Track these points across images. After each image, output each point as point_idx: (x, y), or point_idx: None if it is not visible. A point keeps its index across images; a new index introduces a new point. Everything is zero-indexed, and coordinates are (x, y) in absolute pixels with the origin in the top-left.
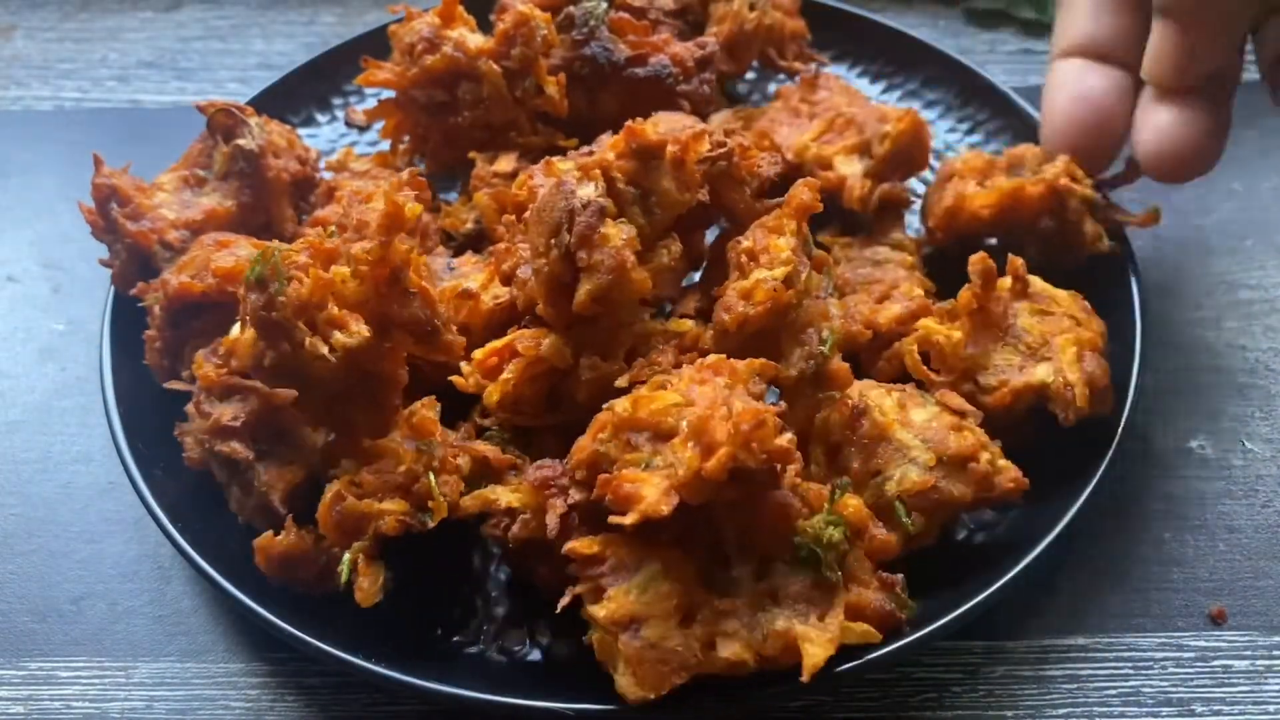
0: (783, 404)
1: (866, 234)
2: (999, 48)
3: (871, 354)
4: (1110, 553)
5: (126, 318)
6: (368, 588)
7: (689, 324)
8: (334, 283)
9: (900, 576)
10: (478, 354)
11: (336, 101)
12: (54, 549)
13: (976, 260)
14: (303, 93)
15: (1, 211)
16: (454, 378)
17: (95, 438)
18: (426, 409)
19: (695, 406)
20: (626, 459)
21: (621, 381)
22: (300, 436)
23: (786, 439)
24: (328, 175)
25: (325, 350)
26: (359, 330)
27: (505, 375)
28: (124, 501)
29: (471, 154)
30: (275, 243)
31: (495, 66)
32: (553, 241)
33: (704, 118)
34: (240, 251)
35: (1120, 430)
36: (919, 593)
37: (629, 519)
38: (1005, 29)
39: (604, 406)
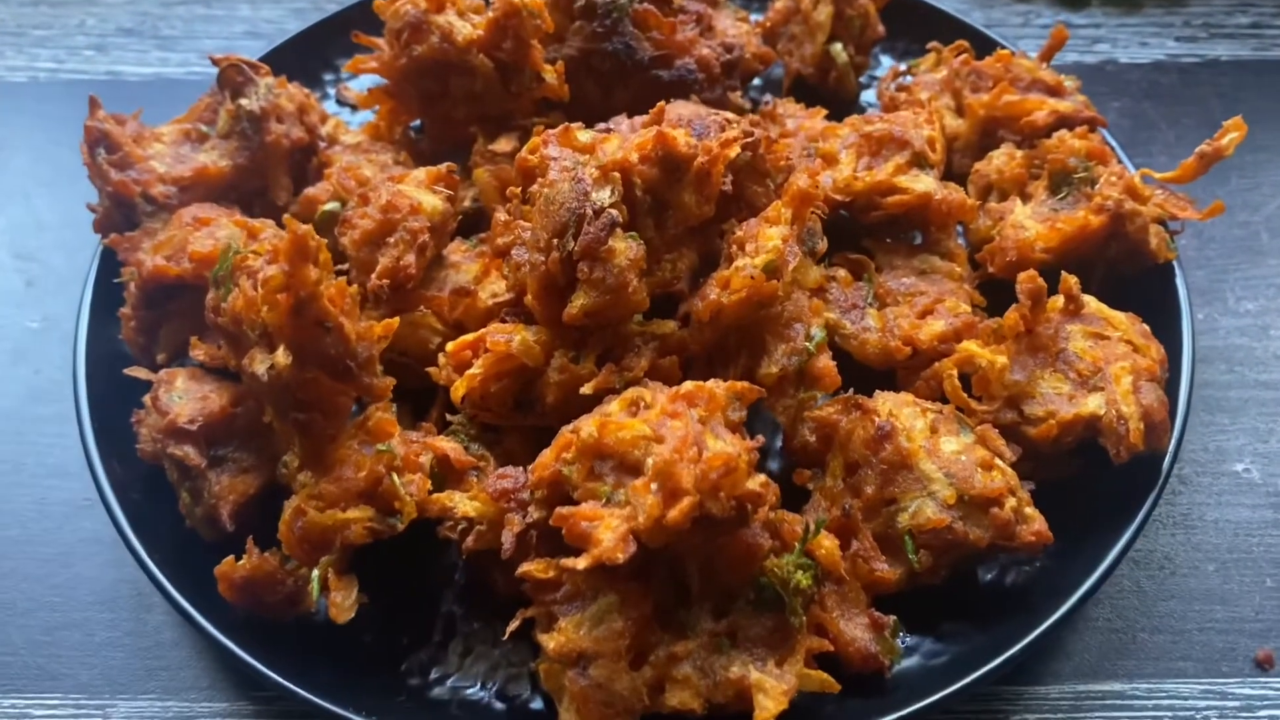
0: (760, 439)
1: (913, 240)
2: (1033, 21)
3: (909, 372)
4: (1147, 587)
5: (105, 315)
6: (341, 603)
7: (671, 325)
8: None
9: (893, 618)
10: (452, 345)
11: (328, 77)
12: (27, 572)
13: (1026, 279)
14: (291, 67)
15: None
16: (430, 369)
17: (72, 448)
18: (382, 410)
19: (663, 444)
20: (588, 488)
21: (588, 389)
22: (262, 442)
23: (759, 481)
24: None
25: (260, 368)
26: (280, 358)
27: (473, 370)
28: (103, 519)
29: (472, 128)
30: (244, 232)
31: (487, 61)
32: (556, 241)
33: None
34: (220, 233)
35: (1169, 464)
36: (934, 633)
37: (581, 563)
38: (1039, 1)
39: (569, 429)
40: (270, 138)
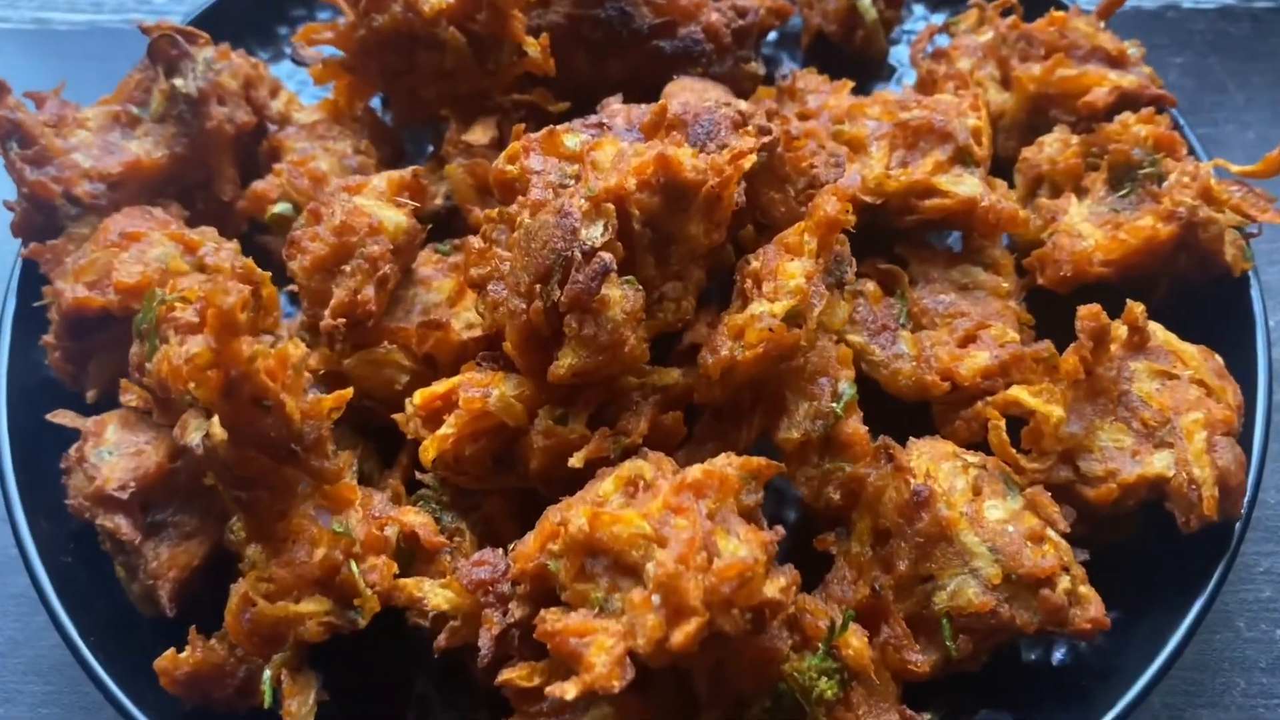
0: (779, 530)
1: (951, 248)
2: None
3: (947, 409)
4: (1207, 655)
5: (29, 335)
6: (297, 710)
7: (674, 375)
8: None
9: (928, 717)
10: (419, 396)
11: (282, 30)
12: None
13: (1087, 315)
14: (240, 20)
15: None
16: (396, 415)
17: None
18: (343, 466)
19: (666, 548)
20: (578, 590)
21: (576, 460)
22: (207, 502)
23: (780, 586)
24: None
25: (194, 438)
26: (217, 431)
27: (445, 430)
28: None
29: (444, 112)
30: (180, 247)
31: (458, 34)
32: (539, 287)
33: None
34: (152, 252)
35: (1242, 527)
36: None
37: (570, 691)
38: None
39: (554, 516)
40: (211, 123)
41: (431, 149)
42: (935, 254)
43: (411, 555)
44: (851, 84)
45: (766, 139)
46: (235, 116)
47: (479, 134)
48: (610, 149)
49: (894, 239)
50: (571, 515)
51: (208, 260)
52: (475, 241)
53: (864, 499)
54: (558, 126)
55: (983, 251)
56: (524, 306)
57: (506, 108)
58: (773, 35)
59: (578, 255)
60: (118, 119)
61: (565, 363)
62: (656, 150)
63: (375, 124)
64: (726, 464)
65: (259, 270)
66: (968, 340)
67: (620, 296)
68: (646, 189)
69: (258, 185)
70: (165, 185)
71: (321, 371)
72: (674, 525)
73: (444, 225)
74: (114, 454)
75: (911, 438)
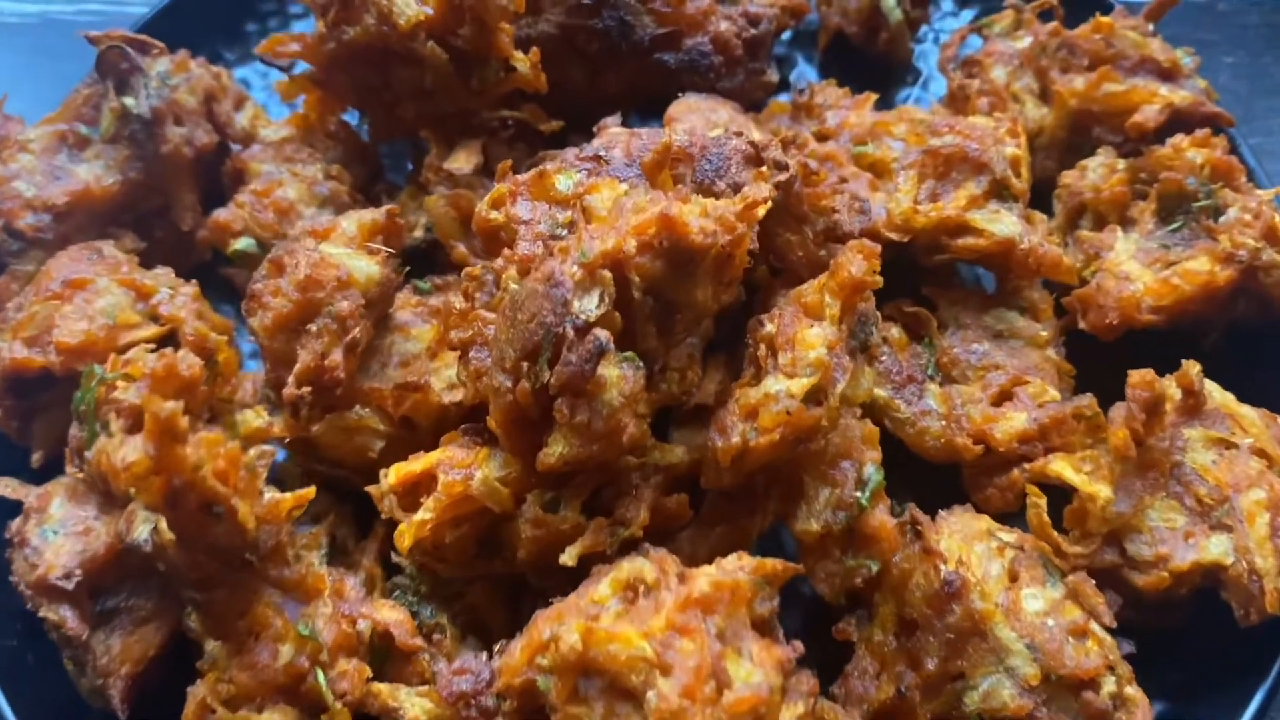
0: (797, 646)
1: (982, 283)
2: None
3: (979, 474)
4: None
5: None
6: None
7: (678, 453)
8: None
9: None
10: (394, 472)
11: (250, 28)
12: None
13: (1140, 383)
14: (204, 14)
15: None
16: (370, 489)
17: None
18: (306, 572)
19: (670, 676)
20: (570, 713)
21: (569, 557)
22: (163, 581)
23: (797, 715)
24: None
25: (140, 533)
26: (164, 531)
27: (422, 515)
28: None
29: (424, 133)
30: (132, 293)
31: (439, 50)
32: (525, 365)
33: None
34: (98, 303)
35: None
36: None
37: None
38: None
39: (543, 629)
40: (167, 147)
41: (412, 167)
42: (967, 295)
43: (387, 652)
44: (874, 98)
45: (782, 177)
46: (194, 138)
47: (462, 160)
48: (607, 193)
49: (921, 277)
50: (564, 630)
51: (162, 310)
52: (456, 301)
53: (888, 581)
54: (548, 166)
55: (1019, 293)
56: (509, 385)
57: (493, 127)
58: (786, 34)
59: (569, 332)
60: (64, 139)
61: (555, 451)
62: (659, 209)
63: (350, 140)
64: (738, 568)
65: (214, 335)
66: (1003, 397)
67: (618, 377)
68: (648, 252)
69: (220, 215)
70: (118, 214)
71: (286, 440)
72: (679, 649)
73: (425, 258)
74: (59, 533)
75: (941, 512)
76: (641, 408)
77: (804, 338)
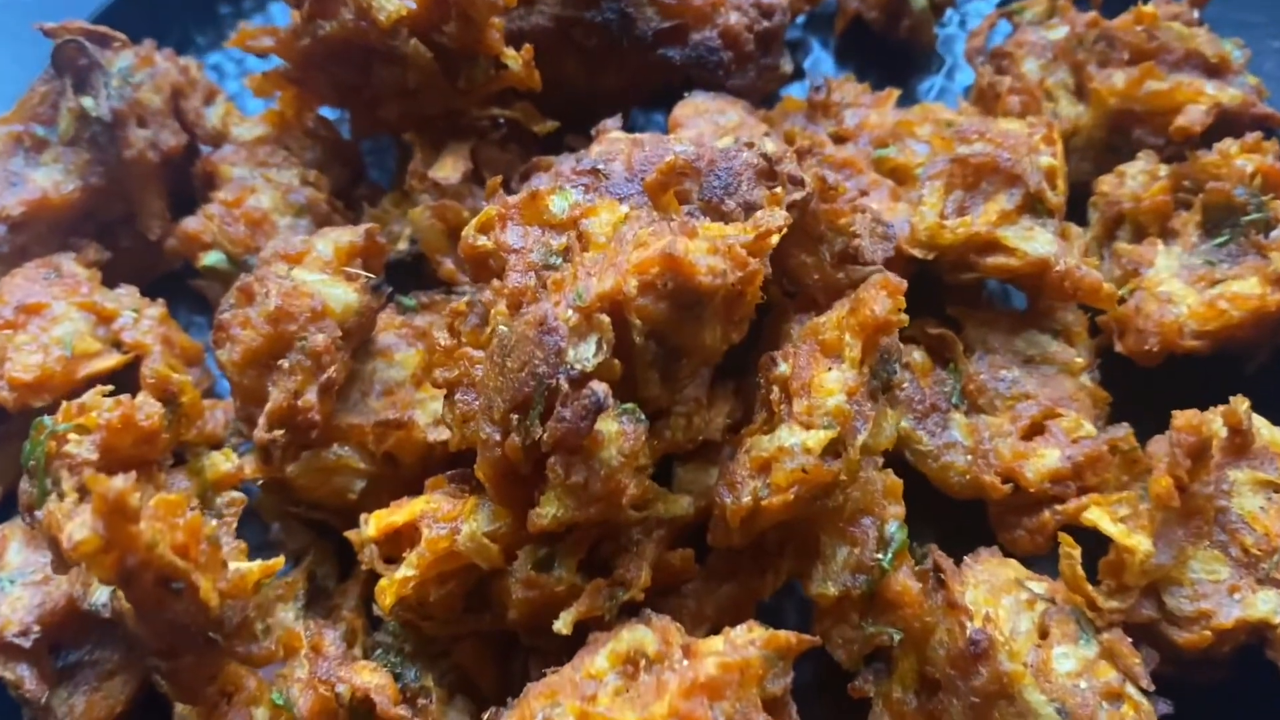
0: None
1: (1013, 307)
2: None
3: (1007, 513)
4: None
5: None
6: None
7: (682, 504)
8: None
9: None
10: (375, 521)
11: (224, 10)
12: None
13: (1185, 427)
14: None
15: None
16: (350, 535)
17: None
18: (285, 598)
19: None
20: None
21: (564, 625)
22: (128, 635)
23: None
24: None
25: (98, 599)
26: (124, 606)
27: (404, 572)
28: None
29: (407, 136)
30: (93, 317)
31: (422, 48)
32: (515, 418)
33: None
34: (55, 331)
35: None
36: None
37: None
38: None
39: (536, 709)
40: (130, 151)
41: (395, 170)
42: (996, 317)
43: (369, 716)
44: (895, 95)
45: (798, 195)
46: (160, 140)
47: (449, 169)
48: (606, 216)
49: (946, 295)
50: (557, 713)
51: (125, 336)
52: (441, 337)
53: (909, 635)
54: (541, 186)
55: (1052, 315)
56: (498, 438)
57: (483, 128)
58: (800, 18)
59: (563, 385)
60: (20, 142)
61: (548, 513)
62: (662, 246)
63: (329, 138)
64: (748, 642)
65: (176, 376)
66: (1033, 430)
67: (616, 433)
68: (650, 293)
69: (189, 225)
70: (81, 223)
71: (259, 481)
72: None
73: (410, 271)
74: (15, 583)
75: (966, 559)
76: (643, 459)
77: (821, 383)
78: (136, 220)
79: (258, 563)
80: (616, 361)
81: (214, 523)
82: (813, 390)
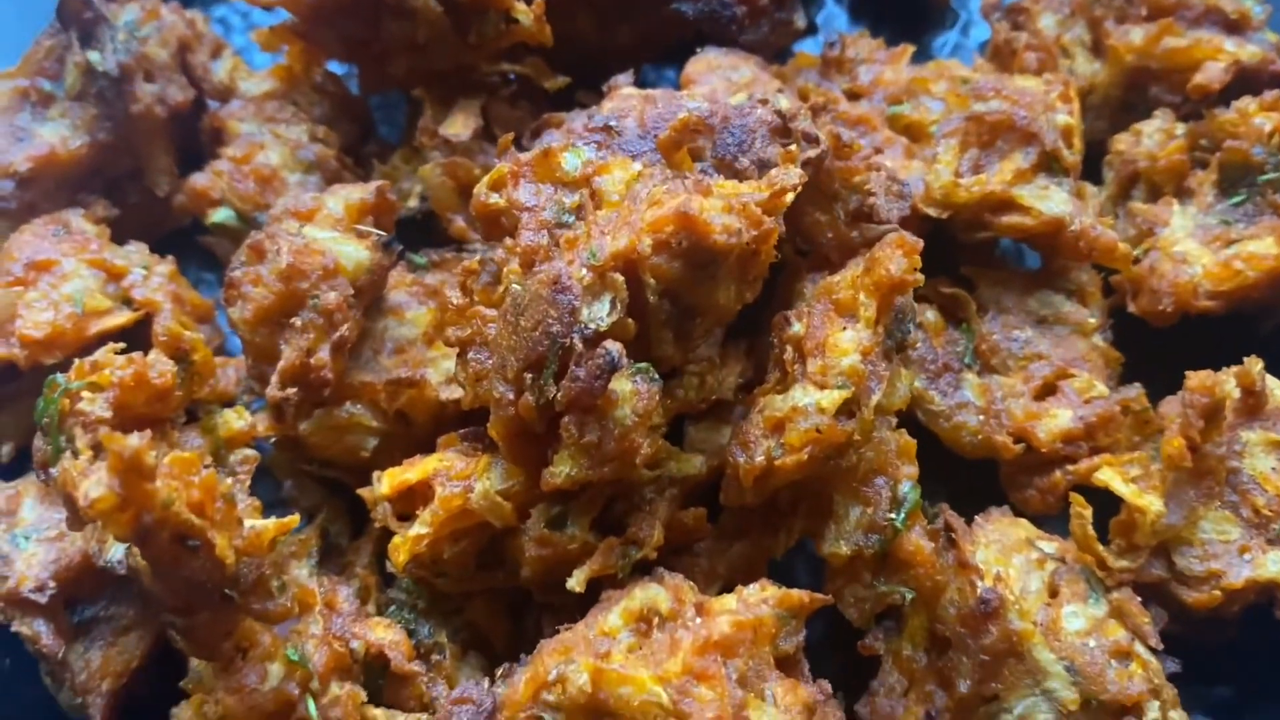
0: (825, 686)
1: (1026, 265)
2: None
3: (1018, 473)
4: None
5: None
6: None
7: (695, 463)
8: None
9: None
10: (388, 478)
11: None
12: None
13: (1199, 388)
14: None
15: None
16: (362, 492)
17: None
18: (300, 554)
19: None
20: None
21: (577, 582)
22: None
23: None
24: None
25: (112, 556)
26: (140, 562)
27: (418, 529)
28: None
29: (417, 92)
30: (103, 274)
31: (433, 2)
32: (529, 377)
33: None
34: (65, 288)
35: None
36: None
37: None
38: None
39: (550, 661)
40: (138, 106)
41: (405, 126)
42: (1009, 276)
43: (382, 674)
44: (910, 51)
45: (812, 153)
46: (167, 95)
47: (459, 125)
48: (619, 174)
49: (960, 254)
50: (571, 670)
51: (136, 294)
52: (453, 296)
53: (920, 594)
54: (553, 143)
55: (1066, 274)
56: (511, 397)
57: (494, 84)
58: None
59: (578, 344)
60: (26, 97)
61: (561, 472)
62: (676, 204)
63: (338, 93)
64: (761, 600)
65: (187, 334)
66: (1046, 391)
67: (630, 393)
68: (664, 252)
69: (197, 181)
70: (88, 179)
71: (272, 439)
72: (697, 697)
73: (421, 228)
74: (30, 539)
75: (978, 518)
76: (656, 418)
77: (836, 342)
78: (144, 176)
79: (273, 520)
80: (630, 320)
81: (228, 481)
82: (827, 350)
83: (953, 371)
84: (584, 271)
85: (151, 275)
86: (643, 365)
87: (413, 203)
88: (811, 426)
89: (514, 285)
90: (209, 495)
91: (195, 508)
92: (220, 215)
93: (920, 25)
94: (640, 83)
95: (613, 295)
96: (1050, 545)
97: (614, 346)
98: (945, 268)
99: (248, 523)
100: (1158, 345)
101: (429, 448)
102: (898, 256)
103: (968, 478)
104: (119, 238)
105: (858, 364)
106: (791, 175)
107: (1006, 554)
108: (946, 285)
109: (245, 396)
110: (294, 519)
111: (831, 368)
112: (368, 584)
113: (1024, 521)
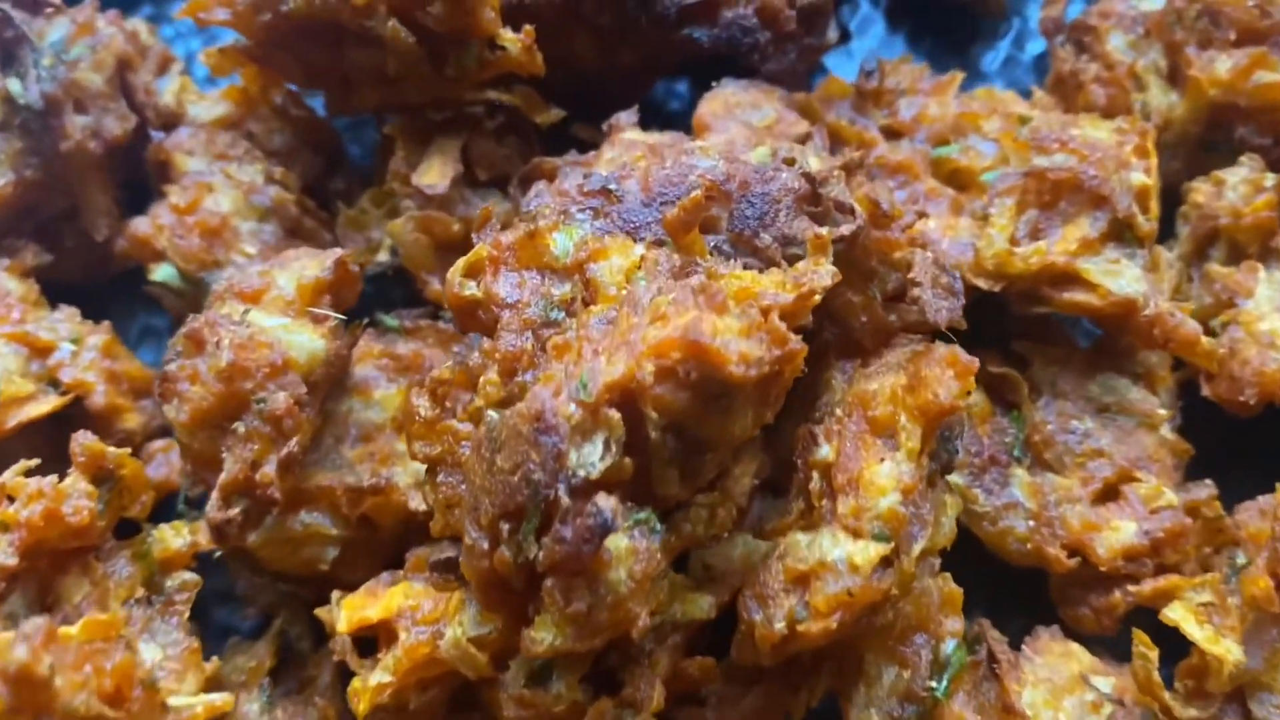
0: None
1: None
2: None
3: (1072, 587)
4: None
5: None
6: None
7: (702, 605)
8: None
9: None
10: (346, 609)
11: None
12: None
13: None
14: None
15: None
16: (320, 613)
17: None
18: (250, 683)
19: None
20: None
21: None
22: None
23: None
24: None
25: None
26: None
27: (380, 677)
28: None
29: (388, 129)
30: (26, 350)
31: (403, 31)
32: (505, 527)
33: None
34: None
35: None
36: None
37: None
38: None
39: None
40: (68, 143)
41: (377, 158)
42: (1068, 355)
43: None
44: (958, 80)
45: (847, 230)
46: (103, 128)
47: (435, 174)
48: (618, 259)
49: (1012, 326)
50: None
51: (63, 374)
52: (421, 406)
53: None
54: (541, 225)
55: (1133, 355)
56: (485, 546)
57: (476, 117)
58: None
59: (564, 498)
60: None
61: (543, 640)
62: (684, 325)
63: (301, 117)
64: None
65: (112, 451)
66: (1107, 494)
67: (627, 551)
68: (669, 381)
69: (138, 228)
70: (17, 221)
71: (217, 555)
72: None
73: (394, 283)
74: None
75: (1025, 647)
76: (656, 595)
77: (872, 478)
78: (80, 217)
79: (201, 702)
80: (627, 460)
81: (147, 664)
82: (861, 487)
83: (1000, 466)
84: (572, 407)
85: (82, 350)
86: (642, 515)
87: (383, 256)
88: (843, 590)
89: (490, 414)
90: (125, 681)
91: (109, 698)
92: (162, 274)
93: (968, 34)
94: (647, 102)
95: (606, 435)
96: (1107, 683)
97: (607, 505)
98: (994, 338)
99: (174, 701)
100: (1234, 434)
101: (396, 554)
102: (948, 379)
103: (1009, 581)
104: (54, 284)
105: (898, 506)
106: (823, 275)
107: (1057, 695)
108: (995, 363)
109: (181, 523)
110: (228, 700)
111: (867, 510)
112: (328, 717)
113: (1077, 649)
